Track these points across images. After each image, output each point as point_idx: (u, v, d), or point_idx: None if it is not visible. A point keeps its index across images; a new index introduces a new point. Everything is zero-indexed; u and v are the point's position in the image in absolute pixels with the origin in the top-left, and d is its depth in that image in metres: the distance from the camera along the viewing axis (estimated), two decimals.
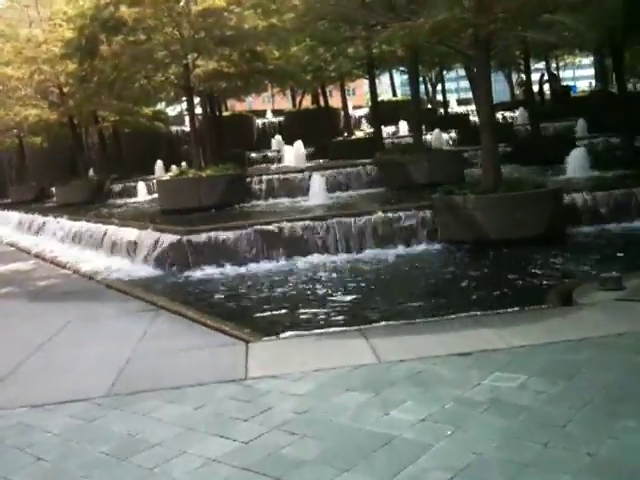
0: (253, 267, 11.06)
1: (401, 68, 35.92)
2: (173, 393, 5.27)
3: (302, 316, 7.92)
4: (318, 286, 9.51)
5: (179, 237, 11.54)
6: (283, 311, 8.34)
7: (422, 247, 11.39)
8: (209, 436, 4.34)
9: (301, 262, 11.07)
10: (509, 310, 6.92)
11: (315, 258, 11.14)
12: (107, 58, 14.48)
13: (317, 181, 15.18)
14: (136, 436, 4.48)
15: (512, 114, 32.16)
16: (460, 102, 42.88)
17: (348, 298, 8.62)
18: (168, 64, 15.77)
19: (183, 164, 21.19)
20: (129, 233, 13.04)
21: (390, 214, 11.79)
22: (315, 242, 11.42)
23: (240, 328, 6.97)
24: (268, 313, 8.29)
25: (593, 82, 50.09)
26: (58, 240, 17.33)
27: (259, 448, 4.07)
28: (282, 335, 6.78)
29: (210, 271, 11.03)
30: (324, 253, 11.34)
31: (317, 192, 14.92)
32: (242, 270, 10.96)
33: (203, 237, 11.43)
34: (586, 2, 10.51)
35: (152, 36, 14.41)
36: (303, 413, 4.55)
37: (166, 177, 18.08)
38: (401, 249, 11.33)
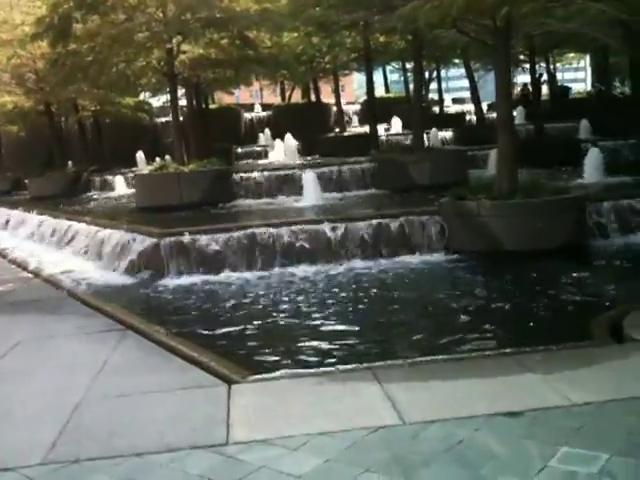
0: (239, 276, 9.75)
1: (394, 65, 34.91)
2: (130, 464, 3.96)
3: (296, 341, 6.62)
4: (314, 301, 8.21)
5: (154, 240, 10.19)
6: (273, 332, 7.05)
7: (428, 257, 10.13)
8: None
9: (295, 271, 9.78)
10: (552, 347, 5.65)
11: (309, 268, 9.84)
12: (82, 39, 13.07)
13: (310, 180, 13.87)
14: None
15: None
16: (455, 101, 41.78)
17: (349, 317, 7.35)
18: (150, 48, 14.36)
19: (167, 157, 19.78)
20: (99, 233, 11.66)
21: (392, 220, 10.51)
22: (310, 250, 10.12)
23: (221, 361, 5.66)
24: (255, 334, 7.00)
25: (585, 84, 49.18)
26: (25, 237, 15.92)
27: None
28: (273, 374, 5.46)
29: (189, 280, 9.71)
30: (318, 262, 10.05)
31: (310, 192, 13.62)
32: (226, 279, 9.65)
33: (182, 240, 10.08)
34: None
35: (133, 16, 13.01)
36: None
37: (144, 171, 16.66)
38: (405, 259, 10.07)
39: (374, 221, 10.44)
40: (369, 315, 7.59)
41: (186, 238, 10.07)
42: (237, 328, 7.22)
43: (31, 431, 4.58)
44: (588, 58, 42.19)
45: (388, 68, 38.37)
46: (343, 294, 8.42)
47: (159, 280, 9.80)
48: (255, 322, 7.43)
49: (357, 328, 7.00)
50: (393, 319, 7.28)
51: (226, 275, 9.79)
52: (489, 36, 10.09)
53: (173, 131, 15.62)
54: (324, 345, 6.43)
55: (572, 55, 40.26)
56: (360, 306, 7.91)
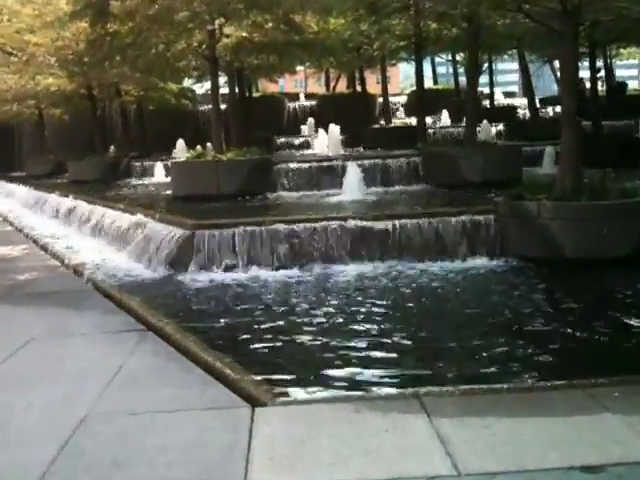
0: (277, 275, 9.06)
1: (443, 56, 33.80)
2: None
3: (330, 352, 5.91)
4: (354, 308, 7.46)
5: (187, 231, 9.58)
6: (304, 340, 6.34)
7: (481, 262, 9.28)
8: None
9: (336, 271, 9.06)
10: (630, 379, 4.82)
11: (352, 268, 9.12)
12: (120, 18, 12.52)
13: (353, 173, 13.10)
14: None
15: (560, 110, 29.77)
16: (506, 95, 40.41)
17: (388, 328, 6.59)
18: (191, 29, 13.75)
19: (208, 145, 19.25)
20: (131, 221, 11.13)
21: (441, 219, 9.70)
22: (355, 248, 9.39)
23: (245, 377, 4.97)
24: (287, 342, 6.30)
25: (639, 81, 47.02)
26: (60, 221, 15.58)
27: None
28: (303, 396, 4.76)
29: (222, 276, 9.08)
30: (363, 261, 9.32)
31: (353, 186, 12.85)
32: (264, 277, 8.98)
33: (217, 233, 9.45)
34: None
35: None
36: None
37: (182, 158, 16.10)
38: (456, 263, 9.24)
39: (419, 220, 9.61)
40: (414, 327, 6.82)
41: (222, 231, 9.43)
42: (269, 335, 6.54)
43: (22, 452, 3.98)
44: None
45: (436, 60, 37.33)
46: (380, 301, 7.65)
47: (192, 275, 9.19)
48: (289, 328, 6.74)
49: (402, 341, 6.24)
50: (440, 335, 6.49)
51: (263, 272, 9.12)
52: (556, 21, 9.16)
53: (212, 118, 14.98)
54: (364, 358, 5.71)
55: (630, 50, 38.61)
56: (400, 314, 7.16)
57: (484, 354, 5.73)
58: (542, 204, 9.10)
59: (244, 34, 14.49)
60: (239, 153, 14.56)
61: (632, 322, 6.57)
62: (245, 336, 6.52)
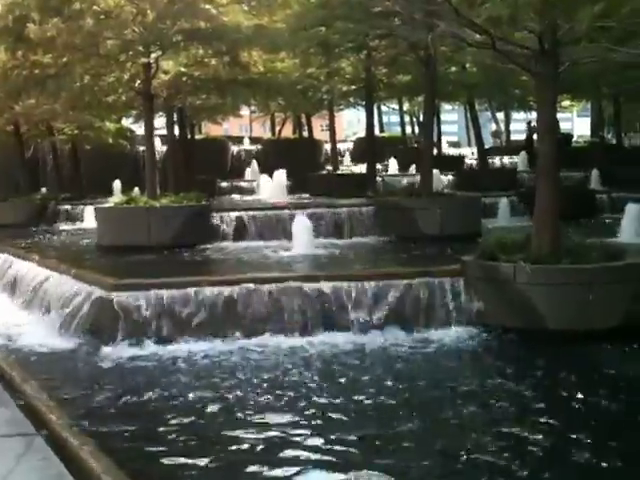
0: (212, 346, 7.60)
1: (389, 105, 33.39)
2: None
3: (274, 454, 4.51)
4: (300, 392, 6.10)
5: (105, 293, 8.03)
6: (241, 443, 4.90)
7: (449, 332, 8.04)
8: None
9: (277, 343, 7.67)
10: None
11: (295, 340, 7.74)
12: (41, 45, 11.04)
13: (302, 224, 11.78)
14: None
15: (510, 159, 29.73)
16: (450, 144, 40.33)
17: (302, 414, 5.26)
18: (124, 62, 12.36)
19: (136, 190, 17.81)
20: (41, 277, 9.50)
21: (401, 281, 8.44)
22: (299, 316, 8.02)
23: None
24: (217, 448, 4.87)
25: (572, 132, 48.02)
26: None
27: None
28: None
29: (147, 350, 7.54)
30: (305, 333, 7.95)
31: (303, 238, 11.53)
32: (198, 349, 7.50)
33: (142, 296, 7.92)
34: None
35: (102, 22, 11.02)
36: None
37: (109, 204, 14.53)
38: (417, 335, 7.96)
39: (375, 283, 8.32)
40: (377, 411, 5.47)
41: (146, 294, 7.92)
42: (195, 433, 5.08)
43: None
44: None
45: (382, 108, 37.04)
46: (307, 381, 6.31)
47: (110, 347, 7.62)
48: (229, 421, 5.30)
49: (309, 437, 4.90)
50: (402, 422, 5.16)
51: (192, 345, 7.63)
52: (534, 62, 8.22)
53: (146, 160, 13.55)
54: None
55: (568, 103, 39.32)
56: (320, 399, 5.81)
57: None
58: (519, 267, 7.96)
59: (183, 69, 13.20)
60: (175, 199, 13.12)
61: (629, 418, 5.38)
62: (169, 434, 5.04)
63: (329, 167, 26.20)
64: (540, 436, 5.04)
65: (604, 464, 4.57)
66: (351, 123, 70.27)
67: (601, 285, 7.83)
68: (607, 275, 7.91)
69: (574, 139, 39.91)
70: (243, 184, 24.95)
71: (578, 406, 5.75)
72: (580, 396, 5.96)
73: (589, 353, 7.23)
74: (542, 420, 5.38)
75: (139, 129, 34.14)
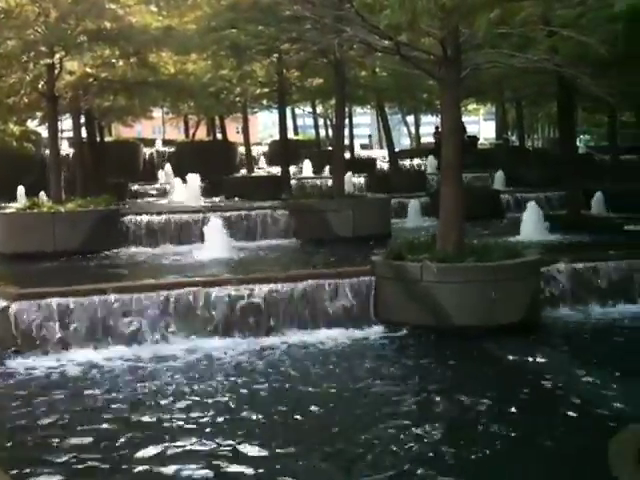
0: (121, 354, 7.44)
1: (303, 108, 33.57)
2: None
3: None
4: (214, 400, 6.08)
5: (5, 304, 7.71)
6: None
7: (353, 332, 8.18)
8: None
9: (197, 347, 7.61)
10: None
11: (215, 342, 7.72)
12: None
13: (216, 227, 11.69)
14: None
15: (420, 161, 30.34)
16: (361, 147, 40.88)
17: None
18: (25, 62, 11.90)
19: (41, 194, 17.13)
20: None
21: (313, 282, 8.53)
22: (209, 319, 7.97)
23: None
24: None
25: (478, 135, 49.88)
26: None
27: None
28: None
29: (49, 362, 7.28)
30: (218, 335, 7.92)
31: (216, 241, 11.45)
32: (105, 359, 7.31)
33: (42, 305, 7.65)
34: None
35: (2, 20, 10.58)
36: None
37: (11, 209, 13.92)
38: (323, 334, 8.08)
39: (287, 285, 8.38)
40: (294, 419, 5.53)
41: (49, 302, 7.66)
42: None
43: None
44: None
45: (296, 111, 37.19)
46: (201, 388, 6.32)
47: (9, 360, 7.33)
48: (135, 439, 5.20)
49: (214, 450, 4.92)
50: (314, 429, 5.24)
51: (94, 354, 7.45)
52: (437, 67, 8.49)
53: (50, 163, 13.08)
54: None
55: (473, 107, 40.75)
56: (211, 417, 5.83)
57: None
58: (425, 266, 8.20)
59: (89, 70, 12.83)
60: (82, 203, 12.73)
61: (551, 405, 5.66)
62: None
63: (244, 170, 26.10)
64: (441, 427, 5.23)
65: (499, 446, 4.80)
66: (266, 126, 70.20)
67: (503, 282, 8.17)
68: (508, 272, 8.25)
69: (480, 142, 41.34)
70: (156, 187, 24.45)
71: (477, 394, 6.00)
72: (477, 387, 6.25)
73: (491, 347, 7.51)
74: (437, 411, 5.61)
75: (46, 131, 32.97)
